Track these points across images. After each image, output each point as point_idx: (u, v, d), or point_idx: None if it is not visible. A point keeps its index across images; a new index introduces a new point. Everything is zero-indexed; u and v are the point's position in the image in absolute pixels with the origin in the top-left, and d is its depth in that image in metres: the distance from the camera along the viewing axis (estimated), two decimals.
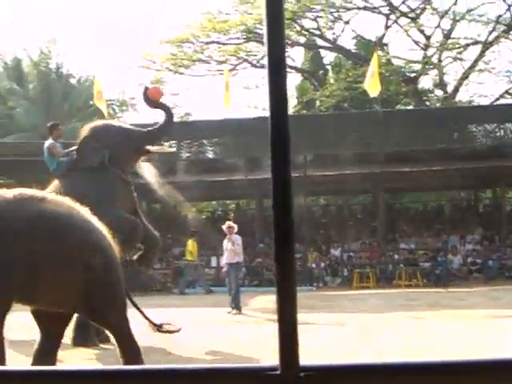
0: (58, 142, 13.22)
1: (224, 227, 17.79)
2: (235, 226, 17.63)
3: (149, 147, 12.62)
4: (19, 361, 9.19)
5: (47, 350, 7.91)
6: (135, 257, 12.42)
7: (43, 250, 7.15)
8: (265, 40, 1.72)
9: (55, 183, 12.82)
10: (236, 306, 16.89)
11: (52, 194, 8.11)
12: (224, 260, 17.66)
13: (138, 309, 8.89)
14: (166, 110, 13.05)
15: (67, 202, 7.79)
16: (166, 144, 26.96)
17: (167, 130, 13.27)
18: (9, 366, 7.46)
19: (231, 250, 17.22)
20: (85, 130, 12.84)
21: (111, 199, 12.03)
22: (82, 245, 7.53)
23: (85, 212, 7.88)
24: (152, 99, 12.76)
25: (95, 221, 7.97)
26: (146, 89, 12.88)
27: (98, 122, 13.23)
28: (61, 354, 9.39)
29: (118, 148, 12.34)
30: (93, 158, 12.34)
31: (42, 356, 7.86)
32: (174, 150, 13.59)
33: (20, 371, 1.92)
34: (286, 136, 1.72)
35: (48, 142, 13.15)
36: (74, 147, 12.96)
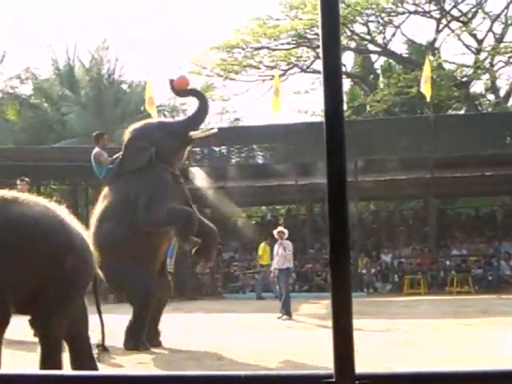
0: (104, 151, 13.32)
1: (275, 232, 17.79)
2: (286, 232, 17.61)
3: (191, 134, 12.69)
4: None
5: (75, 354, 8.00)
6: (194, 250, 12.47)
7: (6, 250, 7.21)
8: (321, 47, 1.72)
9: (106, 190, 13.00)
10: (286, 311, 16.84)
11: (27, 196, 8.00)
12: (274, 265, 17.62)
13: (102, 322, 8.77)
14: (198, 95, 13.16)
15: (43, 203, 7.75)
16: (216, 149, 27.12)
17: (205, 114, 13.30)
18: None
19: (282, 255, 17.19)
20: (127, 134, 12.96)
21: (164, 194, 12.17)
22: (47, 248, 7.46)
23: (64, 215, 7.80)
24: (180, 89, 12.84)
25: (74, 224, 7.89)
26: (172, 81, 12.90)
27: (137, 123, 13.32)
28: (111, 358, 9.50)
29: (163, 142, 12.44)
30: (140, 158, 12.45)
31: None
32: (215, 130, 13.57)
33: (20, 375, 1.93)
34: (341, 142, 1.71)
35: (94, 151, 13.28)
36: (120, 153, 13.08)
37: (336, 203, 1.65)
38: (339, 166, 1.68)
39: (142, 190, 12.23)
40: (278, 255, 17.28)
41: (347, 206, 1.67)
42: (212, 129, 13.53)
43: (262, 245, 23.20)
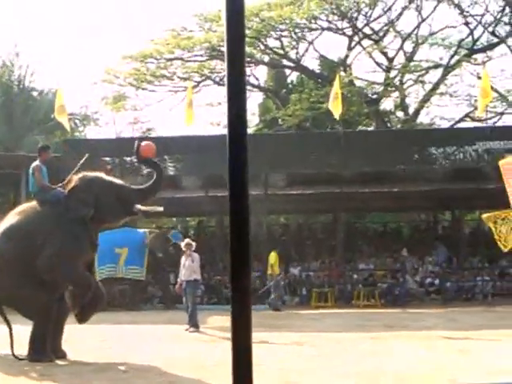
0: (43, 166, 13.05)
1: (182, 245, 17.77)
2: (193, 244, 17.63)
3: (138, 207, 12.56)
4: None
5: None
6: (77, 309, 12.32)
7: None
8: (225, 60, 1.72)
9: (26, 206, 12.88)
10: (193, 323, 16.80)
11: None
12: (181, 277, 17.54)
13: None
14: (156, 168, 12.91)
15: None
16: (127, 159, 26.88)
17: (158, 189, 13.09)
18: None
19: (189, 266, 17.16)
20: (75, 180, 12.66)
21: (77, 251, 12.12)
22: None
23: None
24: (144, 156, 12.60)
25: None
26: (139, 145, 12.59)
27: (89, 174, 12.94)
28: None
29: (107, 206, 12.31)
30: (77, 211, 12.25)
31: None
32: (162, 208, 13.40)
33: None
34: (243, 156, 1.72)
35: (34, 164, 13.01)
36: (60, 186, 12.82)
37: (236, 215, 1.65)
38: (240, 178, 1.68)
39: (59, 232, 12.09)
40: (185, 267, 17.23)
41: (248, 219, 1.67)
42: (158, 207, 13.33)
43: (273, 254, 23.31)
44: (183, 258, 17.58)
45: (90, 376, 10.28)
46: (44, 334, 11.95)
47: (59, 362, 11.83)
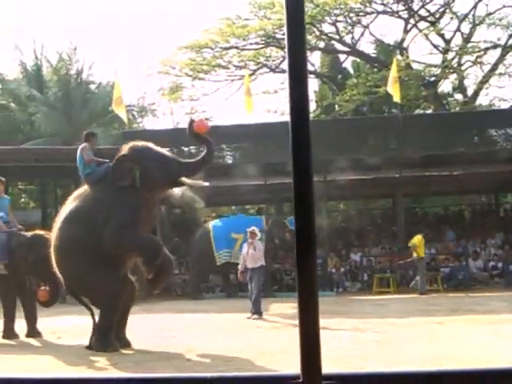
0: (90, 150, 13.25)
1: (247, 232, 17.85)
2: (258, 232, 17.71)
3: (184, 179, 12.56)
4: None
5: None
6: (149, 276, 12.40)
7: None
8: (286, 46, 1.71)
9: (81, 190, 12.97)
10: (257, 310, 16.86)
11: None
12: (245, 265, 17.58)
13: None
14: (208, 145, 12.86)
15: None
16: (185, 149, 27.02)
17: (205, 166, 13.09)
18: None
19: (253, 254, 17.23)
20: (124, 149, 12.80)
21: (135, 221, 12.17)
22: None
23: None
24: (197, 132, 12.56)
25: None
26: (192, 121, 12.58)
27: (138, 144, 13.08)
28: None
29: (153, 174, 12.36)
30: (125, 178, 12.37)
31: None
32: (207, 183, 13.34)
33: None
34: (307, 140, 1.70)
35: (82, 145, 13.20)
36: (106, 160, 13.01)
37: (302, 203, 1.64)
38: (305, 165, 1.67)
39: (116, 208, 12.19)
40: (249, 255, 17.28)
41: (314, 206, 1.66)
42: (204, 183, 13.32)
43: (419, 237, 23.19)
44: (246, 246, 17.66)
45: (155, 364, 10.37)
46: (111, 323, 12.09)
47: (123, 350, 11.96)
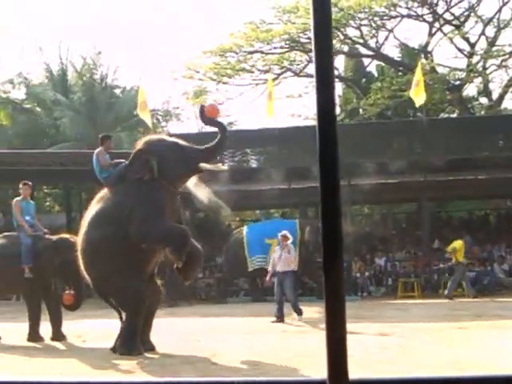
0: (106, 153, 13.34)
1: (279, 236, 17.85)
2: (290, 236, 17.71)
3: (201, 165, 12.57)
4: None
5: None
6: (179, 265, 12.42)
7: None
8: (313, 50, 1.70)
9: (102, 193, 13.00)
10: (297, 311, 17.07)
11: None
12: (275, 268, 17.58)
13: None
14: (221, 128, 12.85)
15: None
16: None
17: (221, 149, 13.10)
18: None
19: (286, 258, 17.26)
20: (139, 143, 12.91)
21: (160, 212, 12.15)
22: None
23: None
24: (208, 116, 12.63)
25: None
26: (203, 106, 12.72)
27: (153, 137, 13.20)
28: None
29: (171, 164, 12.38)
30: (143, 170, 12.42)
31: None
32: (226, 168, 13.36)
33: None
34: (334, 144, 1.70)
35: (97, 150, 13.29)
36: (122, 160, 13.11)
37: (329, 207, 1.63)
38: (332, 170, 1.66)
39: (139, 203, 12.22)
40: (281, 259, 17.28)
41: (340, 210, 1.66)
42: (222, 165, 13.34)
43: (460, 241, 23.01)
44: (278, 250, 17.66)
45: (179, 368, 10.37)
46: (136, 326, 12.12)
47: (148, 354, 11.99)
